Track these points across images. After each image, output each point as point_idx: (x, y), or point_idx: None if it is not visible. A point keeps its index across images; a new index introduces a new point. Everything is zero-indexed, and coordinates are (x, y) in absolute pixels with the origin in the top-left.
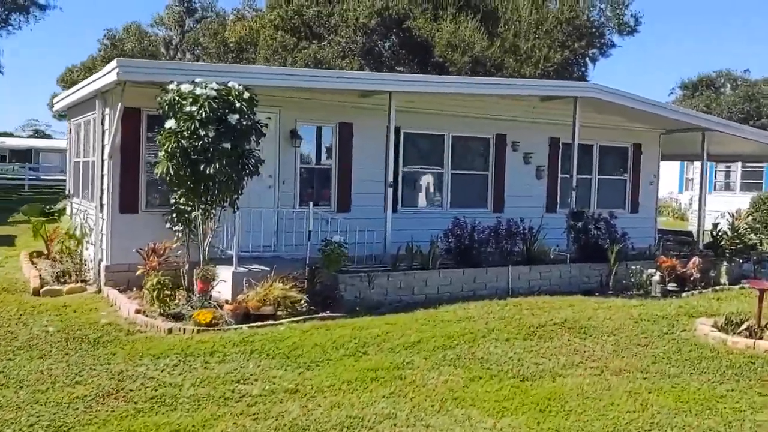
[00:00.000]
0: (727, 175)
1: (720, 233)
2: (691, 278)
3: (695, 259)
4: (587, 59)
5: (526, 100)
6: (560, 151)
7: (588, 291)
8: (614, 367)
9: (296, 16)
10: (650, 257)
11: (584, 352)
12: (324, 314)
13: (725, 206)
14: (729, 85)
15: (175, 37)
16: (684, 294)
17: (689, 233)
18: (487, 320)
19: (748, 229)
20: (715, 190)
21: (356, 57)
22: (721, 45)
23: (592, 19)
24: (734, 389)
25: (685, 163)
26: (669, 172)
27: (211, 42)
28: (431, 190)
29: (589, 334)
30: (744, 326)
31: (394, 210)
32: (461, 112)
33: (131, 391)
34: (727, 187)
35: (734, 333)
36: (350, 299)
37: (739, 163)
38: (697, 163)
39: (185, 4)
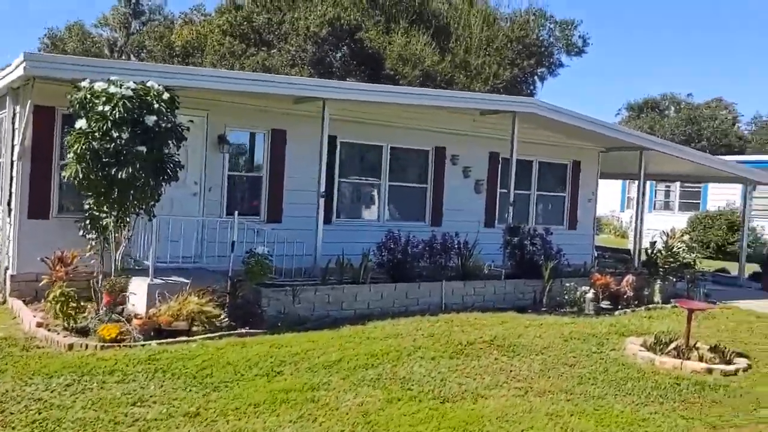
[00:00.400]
0: (667, 194)
1: (655, 252)
2: (625, 296)
3: (629, 277)
4: (536, 77)
5: (466, 113)
6: (500, 165)
7: (522, 308)
8: (539, 387)
9: (245, 23)
10: (585, 274)
11: (510, 371)
12: (243, 330)
13: (664, 225)
14: (673, 108)
15: (119, 38)
16: (617, 312)
17: (628, 251)
18: (415, 337)
19: (683, 248)
20: (655, 209)
21: (306, 66)
22: (668, 67)
23: (541, 38)
24: (657, 412)
25: (627, 181)
26: (611, 190)
27: (156, 45)
28: (368, 202)
29: (518, 352)
30: (672, 346)
31: (329, 221)
32: (400, 123)
33: (12, 413)
34: (667, 206)
35: (662, 353)
36: (273, 314)
37: (678, 183)
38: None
39: (131, 6)
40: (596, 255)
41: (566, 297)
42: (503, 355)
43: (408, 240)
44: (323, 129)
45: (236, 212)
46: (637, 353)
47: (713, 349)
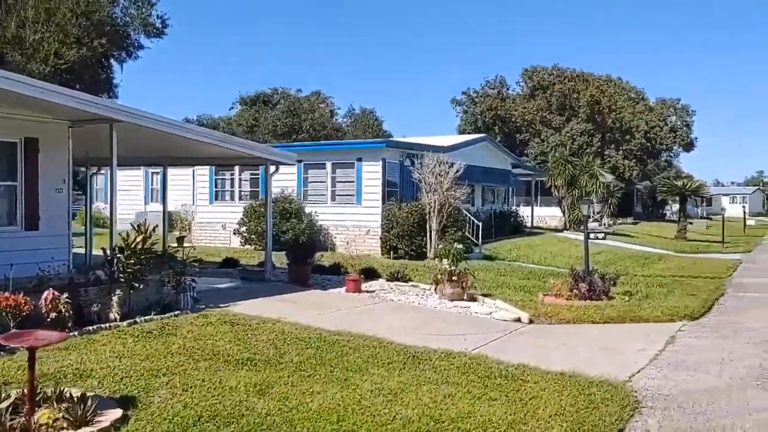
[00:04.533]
0: (231, 183)
1: (112, 253)
2: (48, 320)
3: (48, 293)
4: (112, 60)
5: None
6: None
7: None
8: None
9: None
10: None
11: None
12: None
13: (226, 217)
14: (283, 102)
15: None
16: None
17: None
18: None
19: (148, 244)
20: (217, 199)
21: None
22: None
23: (114, 15)
24: None
25: (213, 169)
26: (183, 181)
27: None
28: None
29: None
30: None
31: None
32: None
33: None
34: (232, 196)
35: None
36: None
37: (238, 169)
38: (202, 170)
39: None
40: (69, 261)
41: None
42: None
43: None
44: None
45: None
46: None
47: (67, 399)
